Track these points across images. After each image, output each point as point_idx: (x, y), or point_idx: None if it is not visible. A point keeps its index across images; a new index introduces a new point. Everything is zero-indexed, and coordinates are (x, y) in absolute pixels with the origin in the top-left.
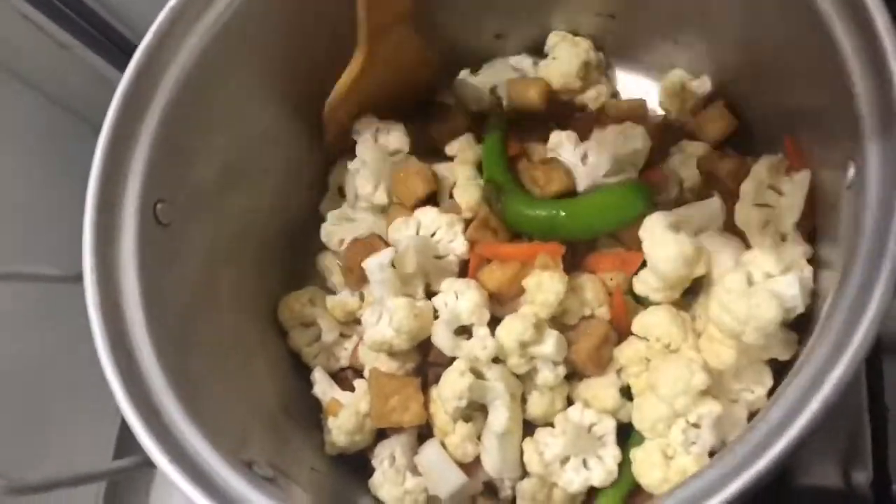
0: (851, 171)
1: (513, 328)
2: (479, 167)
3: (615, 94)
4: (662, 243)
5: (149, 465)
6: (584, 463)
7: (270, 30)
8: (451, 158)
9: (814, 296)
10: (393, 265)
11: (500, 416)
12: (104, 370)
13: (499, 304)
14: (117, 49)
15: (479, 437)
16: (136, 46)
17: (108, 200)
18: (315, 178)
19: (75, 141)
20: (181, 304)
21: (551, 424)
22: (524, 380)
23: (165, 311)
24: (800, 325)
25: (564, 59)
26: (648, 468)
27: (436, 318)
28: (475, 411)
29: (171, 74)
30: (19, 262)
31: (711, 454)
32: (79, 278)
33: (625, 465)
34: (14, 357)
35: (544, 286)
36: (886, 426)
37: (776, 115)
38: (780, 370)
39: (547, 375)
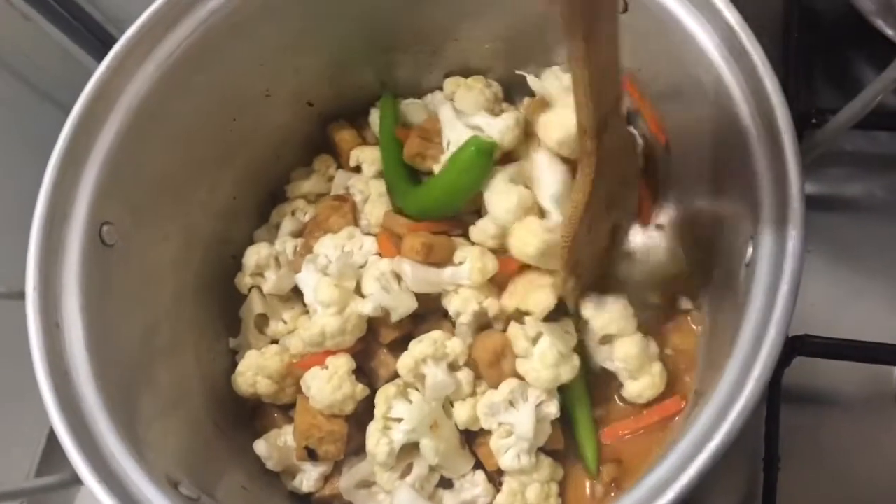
0: (750, 251)
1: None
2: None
3: None
4: (505, 193)
5: (75, 482)
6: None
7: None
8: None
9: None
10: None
11: (429, 452)
12: (40, 388)
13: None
14: (82, 27)
15: None
16: (100, 25)
17: (55, 219)
18: (257, 211)
19: (37, 117)
20: (118, 323)
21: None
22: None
23: (105, 333)
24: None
25: (468, 106)
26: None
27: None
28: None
29: (126, 99)
30: None
31: None
32: (21, 296)
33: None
34: None
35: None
36: (777, 475)
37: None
38: None
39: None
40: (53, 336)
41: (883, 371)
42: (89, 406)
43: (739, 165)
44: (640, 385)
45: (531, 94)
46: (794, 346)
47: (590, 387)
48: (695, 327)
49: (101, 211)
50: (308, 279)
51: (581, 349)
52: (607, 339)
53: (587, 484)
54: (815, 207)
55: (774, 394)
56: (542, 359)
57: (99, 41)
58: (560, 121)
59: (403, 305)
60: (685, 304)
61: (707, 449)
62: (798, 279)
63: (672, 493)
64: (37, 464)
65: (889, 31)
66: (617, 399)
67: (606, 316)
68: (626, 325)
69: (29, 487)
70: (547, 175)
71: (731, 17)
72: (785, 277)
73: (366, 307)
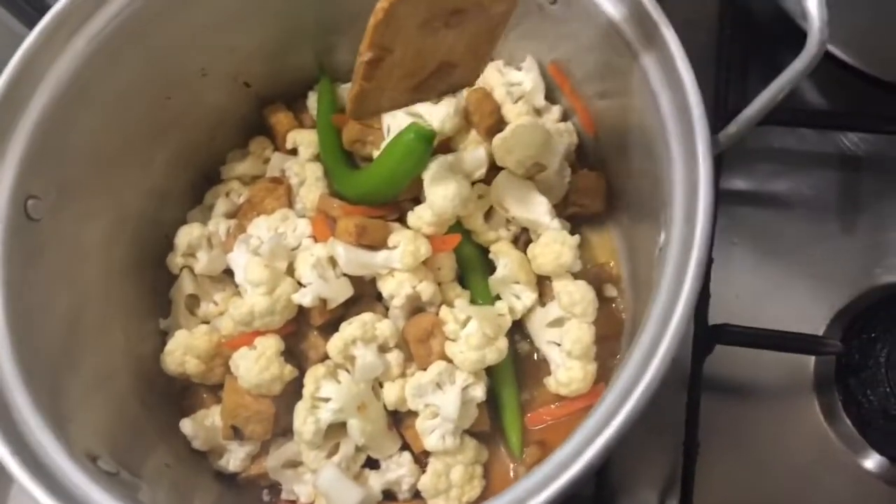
0: (663, 236)
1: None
2: None
3: None
4: (443, 182)
5: None
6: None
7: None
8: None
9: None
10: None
11: (356, 432)
12: None
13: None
14: None
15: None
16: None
17: None
18: (191, 192)
19: None
20: (43, 299)
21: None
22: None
23: (25, 306)
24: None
25: None
26: None
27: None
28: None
29: (55, 73)
30: None
31: None
32: None
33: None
34: None
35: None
36: (696, 460)
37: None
38: None
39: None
40: None
41: (801, 361)
42: (5, 377)
43: (657, 152)
44: (571, 375)
45: None
46: (715, 335)
47: (517, 371)
48: (620, 315)
49: (27, 184)
50: (239, 259)
51: (514, 332)
52: (559, 322)
53: (511, 466)
54: (743, 202)
55: (695, 381)
56: (468, 340)
57: (35, 11)
58: (517, 142)
59: (341, 294)
60: (610, 291)
61: (612, 425)
62: (704, 263)
63: (579, 464)
64: None
65: None
66: (544, 384)
67: (577, 295)
68: (590, 310)
69: None
70: None
71: (650, 6)
72: (692, 262)
73: (305, 298)
